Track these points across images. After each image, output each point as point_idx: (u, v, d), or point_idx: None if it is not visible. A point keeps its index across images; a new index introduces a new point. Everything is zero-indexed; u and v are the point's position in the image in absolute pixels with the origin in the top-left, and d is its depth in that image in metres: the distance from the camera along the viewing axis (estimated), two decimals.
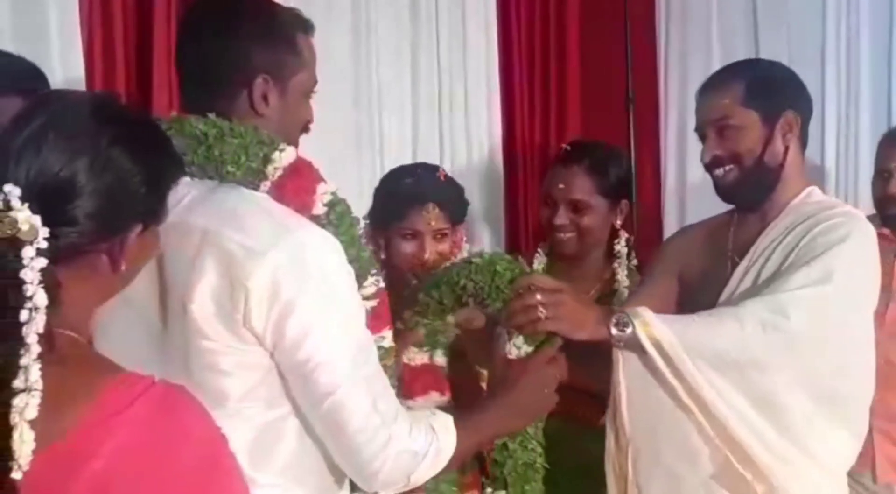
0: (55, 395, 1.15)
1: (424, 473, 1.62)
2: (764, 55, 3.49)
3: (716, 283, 2.09)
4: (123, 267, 1.26)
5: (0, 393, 1.12)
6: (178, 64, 1.69)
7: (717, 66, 3.53)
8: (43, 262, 1.15)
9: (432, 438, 1.62)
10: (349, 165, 3.05)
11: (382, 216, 2.24)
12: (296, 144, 1.66)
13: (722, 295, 2.06)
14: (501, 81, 3.42)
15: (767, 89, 2.10)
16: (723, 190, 2.13)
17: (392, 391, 1.61)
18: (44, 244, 1.15)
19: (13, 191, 1.15)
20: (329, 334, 1.50)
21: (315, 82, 1.70)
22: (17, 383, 1.13)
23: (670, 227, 3.59)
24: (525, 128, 3.47)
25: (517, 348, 1.84)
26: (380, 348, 1.63)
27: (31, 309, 1.14)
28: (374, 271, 1.66)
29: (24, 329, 1.14)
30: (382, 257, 2.22)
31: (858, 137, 3.52)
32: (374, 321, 1.63)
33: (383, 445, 1.55)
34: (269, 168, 1.57)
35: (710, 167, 2.12)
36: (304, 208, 1.58)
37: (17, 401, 1.13)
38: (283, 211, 1.55)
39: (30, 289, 1.14)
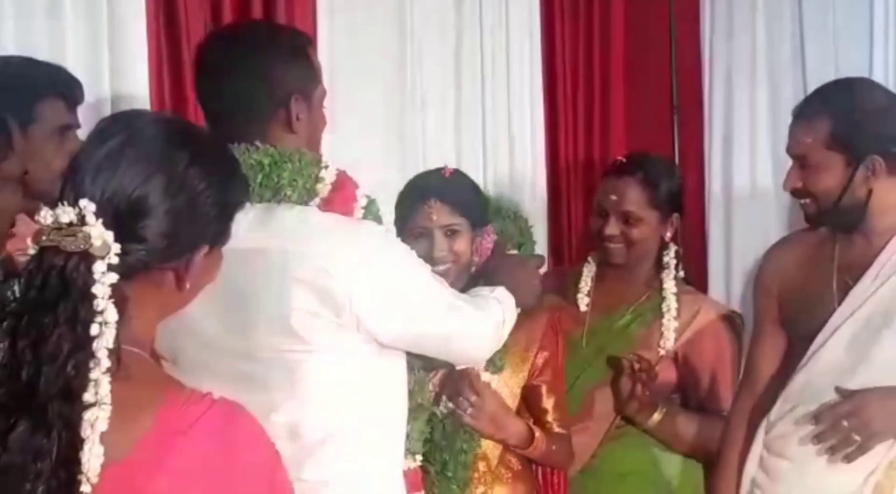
0: (120, 411, 1.16)
1: (505, 333, 1.91)
2: (810, 71, 3.44)
3: (820, 303, 2.07)
4: (188, 286, 1.28)
5: (71, 406, 1.13)
6: (205, 99, 1.72)
7: (762, 73, 3.53)
8: (114, 277, 1.16)
9: (500, 307, 1.87)
10: (393, 175, 3.04)
11: (399, 223, 2.26)
12: (319, 150, 1.77)
13: (834, 316, 2.04)
14: (545, 92, 3.41)
15: (855, 131, 1.99)
16: (807, 218, 2.12)
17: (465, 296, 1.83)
18: (115, 260, 1.16)
19: (88, 206, 1.16)
20: (422, 308, 1.70)
21: (325, 92, 1.77)
22: (88, 396, 1.14)
23: (715, 238, 3.57)
24: (569, 137, 3.47)
25: None
26: None
27: (101, 324, 1.15)
28: None
29: (95, 344, 1.15)
30: None
31: None
32: None
33: (495, 341, 1.87)
34: (320, 186, 1.67)
35: (792, 195, 2.12)
36: (348, 213, 1.68)
37: (88, 415, 1.14)
38: (340, 218, 1.66)
39: (100, 304, 1.15)
